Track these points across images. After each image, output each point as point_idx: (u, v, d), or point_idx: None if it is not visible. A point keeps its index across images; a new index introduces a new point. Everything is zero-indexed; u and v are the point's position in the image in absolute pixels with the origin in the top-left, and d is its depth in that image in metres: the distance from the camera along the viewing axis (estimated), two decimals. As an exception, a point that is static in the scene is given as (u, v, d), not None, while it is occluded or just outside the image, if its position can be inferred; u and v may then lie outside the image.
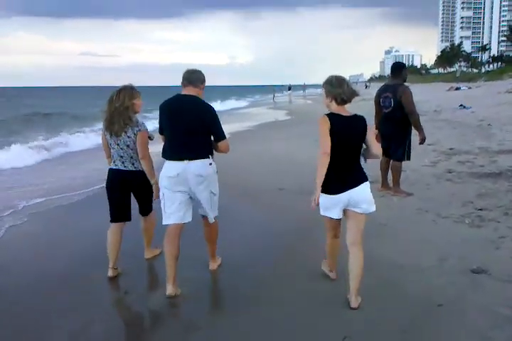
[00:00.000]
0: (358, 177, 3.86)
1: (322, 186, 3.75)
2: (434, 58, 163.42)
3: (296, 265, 4.85)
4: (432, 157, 10.39)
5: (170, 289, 4.17)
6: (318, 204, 3.78)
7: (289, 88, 52.81)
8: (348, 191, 3.78)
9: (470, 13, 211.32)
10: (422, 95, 40.01)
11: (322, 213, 3.94)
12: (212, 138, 4.23)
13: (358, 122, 3.81)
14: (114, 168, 4.61)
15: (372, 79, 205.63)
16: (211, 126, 4.15)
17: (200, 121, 4.09)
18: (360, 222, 3.91)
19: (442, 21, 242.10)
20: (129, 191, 4.67)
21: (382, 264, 4.77)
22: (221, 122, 4.24)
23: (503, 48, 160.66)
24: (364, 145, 3.89)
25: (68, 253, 5.45)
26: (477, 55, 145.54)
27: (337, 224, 4.08)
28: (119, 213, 4.66)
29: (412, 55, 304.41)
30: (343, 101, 3.78)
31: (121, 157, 4.56)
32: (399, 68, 7.23)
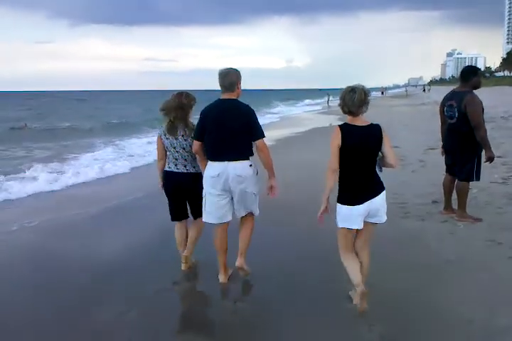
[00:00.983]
0: (377, 187, 3.83)
1: (341, 197, 3.80)
2: (499, 61, 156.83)
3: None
4: (503, 172, 9.14)
5: (221, 278, 4.61)
6: (322, 220, 3.78)
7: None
8: (369, 201, 3.76)
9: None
10: (487, 100, 37.46)
11: (340, 225, 3.86)
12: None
13: (372, 131, 3.77)
14: (168, 170, 4.81)
15: (432, 83, 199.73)
16: (251, 127, 4.32)
17: (240, 123, 4.29)
18: (372, 232, 3.98)
19: (508, 22, 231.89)
20: (181, 192, 4.81)
21: (446, 317, 3.78)
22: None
23: None
24: (380, 154, 3.83)
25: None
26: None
27: (352, 237, 3.94)
28: (176, 213, 4.96)
29: (476, 58, 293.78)
30: (347, 112, 3.78)
31: (176, 159, 4.75)
32: (469, 73, 6.12)
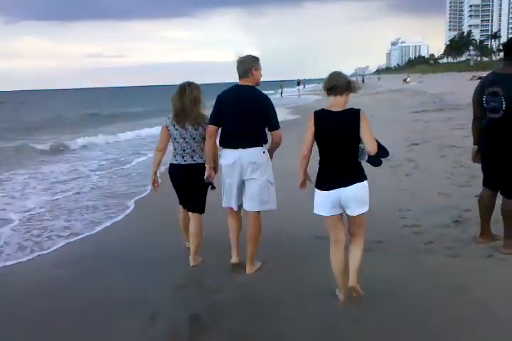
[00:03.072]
0: (351, 176, 3.61)
1: (316, 181, 3.73)
2: (442, 48, 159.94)
3: None
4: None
5: (234, 258, 4.56)
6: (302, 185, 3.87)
7: (298, 83, 52.38)
8: (338, 189, 3.59)
9: (478, 1, 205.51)
10: (442, 87, 36.87)
11: (314, 211, 3.76)
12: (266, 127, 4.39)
13: (348, 117, 3.60)
14: (175, 162, 4.72)
15: (378, 71, 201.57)
16: (267, 115, 4.31)
17: (256, 111, 4.28)
18: (355, 224, 3.71)
19: (450, 10, 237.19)
20: (189, 183, 4.70)
21: None
22: None
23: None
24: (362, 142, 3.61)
25: None
26: (487, 43, 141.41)
27: (335, 222, 3.71)
28: (184, 200, 4.85)
29: (419, 46, 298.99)
30: (326, 91, 3.69)
31: (184, 151, 4.66)
32: None
